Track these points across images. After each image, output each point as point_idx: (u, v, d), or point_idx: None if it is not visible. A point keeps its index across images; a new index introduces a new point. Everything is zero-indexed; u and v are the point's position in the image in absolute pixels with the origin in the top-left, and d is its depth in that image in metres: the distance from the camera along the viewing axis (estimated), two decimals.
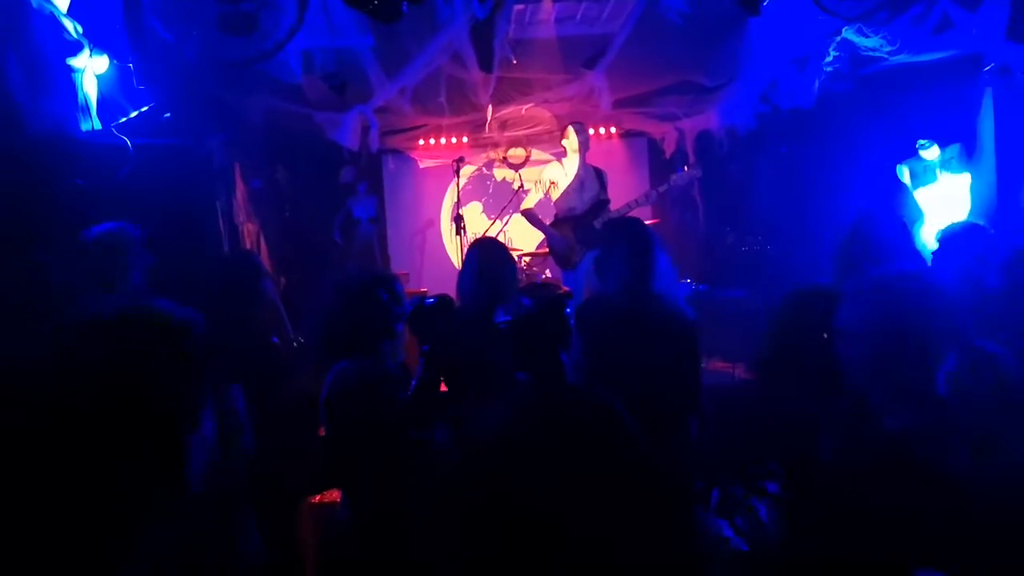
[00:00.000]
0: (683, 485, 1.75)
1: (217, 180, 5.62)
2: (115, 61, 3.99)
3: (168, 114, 4.17)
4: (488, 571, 0.79)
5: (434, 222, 8.72)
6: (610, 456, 0.83)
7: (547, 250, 7.46)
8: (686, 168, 5.84)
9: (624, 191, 5.92)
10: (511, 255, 3.25)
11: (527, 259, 7.16)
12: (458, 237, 6.16)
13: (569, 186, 5.29)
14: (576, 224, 5.24)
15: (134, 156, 3.89)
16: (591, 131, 7.88)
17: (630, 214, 5.16)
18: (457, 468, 0.87)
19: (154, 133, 4.32)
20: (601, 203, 5.30)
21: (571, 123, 5.43)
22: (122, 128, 3.91)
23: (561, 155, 5.65)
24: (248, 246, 6.21)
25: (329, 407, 2.26)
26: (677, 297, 2.77)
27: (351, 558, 2.15)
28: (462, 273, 3.11)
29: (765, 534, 1.62)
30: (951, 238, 3.25)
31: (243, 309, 3.05)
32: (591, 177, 5.33)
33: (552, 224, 5.40)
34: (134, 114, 4.03)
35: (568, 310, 2.36)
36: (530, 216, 5.50)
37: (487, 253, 3.10)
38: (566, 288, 4.30)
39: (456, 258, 6.33)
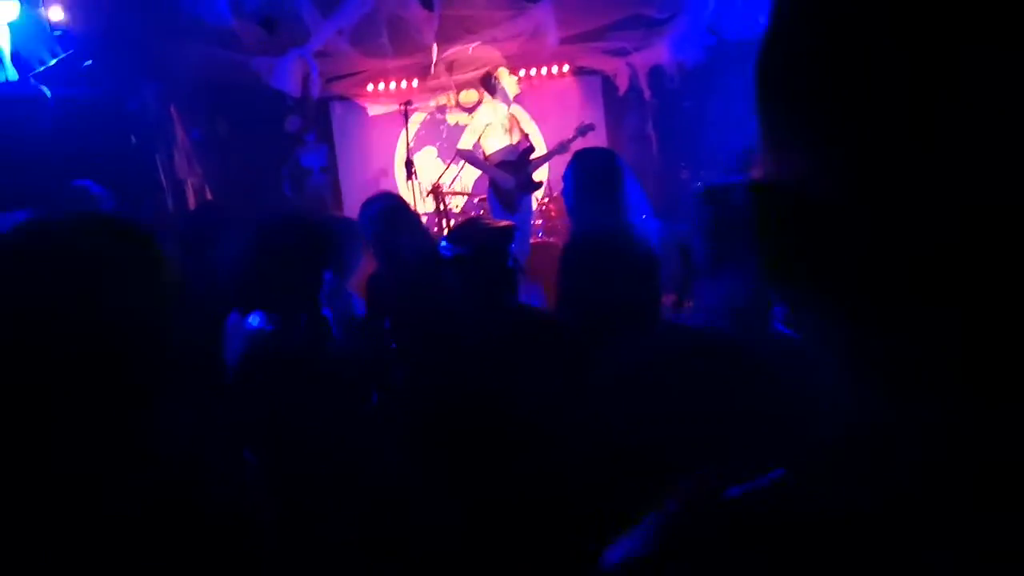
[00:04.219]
0: None
1: (154, 132, 5.43)
2: (26, 6, 3.78)
3: (90, 61, 3.97)
4: None
5: (388, 171, 8.54)
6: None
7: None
8: (582, 125, 5.64)
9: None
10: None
11: (484, 202, 7.08)
12: (409, 182, 6.06)
13: (499, 130, 5.24)
14: (512, 169, 5.20)
15: (56, 109, 3.72)
16: (544, 70, 7.81)
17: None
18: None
19: (79, 83, 4.12)
20: (531, 148, 5.31)
21: (498, 67, 5.40)
22: (40, 78, 3.73)
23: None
24: (193, 201, 6.04)
25: (240, 376, 2.02)
26: (648, 231, 2.50)
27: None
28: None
29: None
30: None
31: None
32: (516, 122, 5.32)
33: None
34: (53, 62, 3.84)
35: (513, 244, 2.29)
36: (470, 157, 5.44)
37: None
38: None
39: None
